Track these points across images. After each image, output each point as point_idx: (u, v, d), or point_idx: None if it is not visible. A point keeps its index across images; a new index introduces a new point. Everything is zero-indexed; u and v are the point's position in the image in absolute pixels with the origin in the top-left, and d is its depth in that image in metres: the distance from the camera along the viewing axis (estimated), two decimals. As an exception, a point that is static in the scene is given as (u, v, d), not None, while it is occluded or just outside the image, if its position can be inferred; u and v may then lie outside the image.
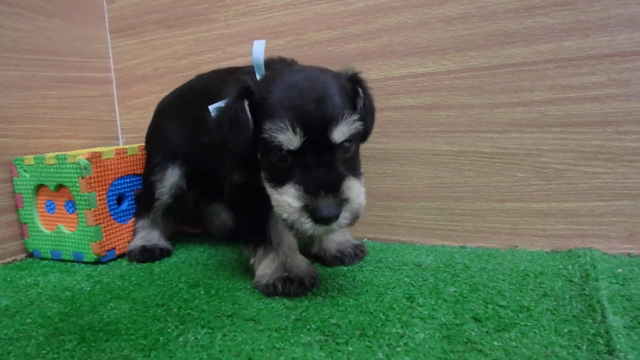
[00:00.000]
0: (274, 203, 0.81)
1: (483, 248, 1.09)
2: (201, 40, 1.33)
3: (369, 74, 1.15)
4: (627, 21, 0.94)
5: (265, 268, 0.93)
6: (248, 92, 0.82)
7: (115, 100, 1.47)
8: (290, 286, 0.88)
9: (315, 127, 0.76)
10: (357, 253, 1.04)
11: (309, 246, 1.08)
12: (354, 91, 0.85)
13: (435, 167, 1.12)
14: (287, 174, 0.78)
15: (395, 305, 0.82)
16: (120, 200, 1.22)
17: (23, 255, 1.24)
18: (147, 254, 1.15)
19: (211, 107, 0.90)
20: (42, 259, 1.22)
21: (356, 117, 0.79)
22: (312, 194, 0.75)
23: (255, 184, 0.89)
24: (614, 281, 0.86)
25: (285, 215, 0.78)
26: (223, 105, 0.86)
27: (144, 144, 1.29)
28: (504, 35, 1.03)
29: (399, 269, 0.99)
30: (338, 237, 1.06)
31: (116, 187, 1.19)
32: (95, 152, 1.14)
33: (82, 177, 1.11)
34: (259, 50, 0.89)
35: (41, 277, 1.08)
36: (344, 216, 0.76)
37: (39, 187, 1.20)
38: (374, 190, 1.19)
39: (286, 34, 1.23)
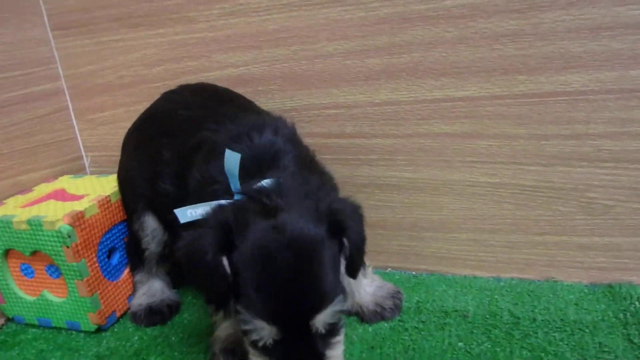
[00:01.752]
0: None
1: (518, 279, 1.05)
2: (178, 44, 1.07)
3: (396, 94, 0.98)
4: None
5: (221, 332, 0.88)
6: (227, 244, 0.66)
7: (72, 114, 1.20)
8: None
9: (295, 319, 0.64)
10: (396, 304, 0.97)
11: (341, 302, 0.99)
12: (337, 228, 0.69)
13: (470, 198, 1.02)
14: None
15: (465, 398, 0.77)
16: (110, 254, 1.04)
17: (2, 321, 1.07)
18: (155, 317, 1.02)
19: (177, 212, 0.73)
20: (27, 325, 1.06)
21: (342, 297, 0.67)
22: None
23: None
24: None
25: None
26: (194, 246, 0.68)
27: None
28: (562, 58, 0.88)
29: (445, 324, 0.93)
30: (371, 288, 0.98)
31: (105, 244, 1.01)
32: (77, 213, 0.93)
33: (67, 247, 0.92)
34: (232, 162, 0.72)
35: (41, 363, 0.94)
36: None
37: (7, 251, 1.00)
38: (399, 220, 1.08)
39: (290, 42, 1.00)
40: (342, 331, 0.71)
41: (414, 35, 0.94)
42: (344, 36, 0.97)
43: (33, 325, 1.05)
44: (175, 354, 0.93)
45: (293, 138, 0.84)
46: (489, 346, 0.87)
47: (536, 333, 0.89)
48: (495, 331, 0.90)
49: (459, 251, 1.07)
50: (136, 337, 0.99)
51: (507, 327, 0.91)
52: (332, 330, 0.68)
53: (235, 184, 0.74)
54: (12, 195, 1.06)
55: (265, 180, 0.72)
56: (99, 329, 1.01)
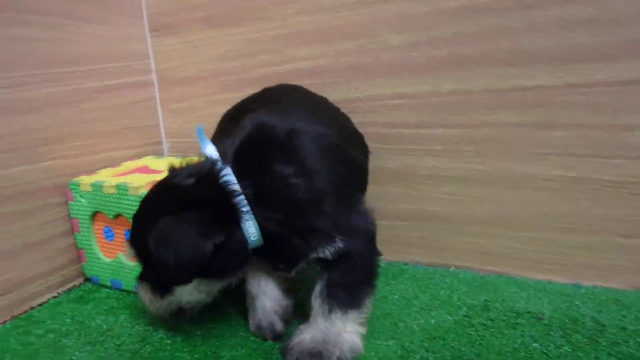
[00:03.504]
0: None
1: (601, 288, 0.95)
2: (253, 40, 1.15)
3: (462, 84, 0.97)
4: None
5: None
6: None
7: (158, 104, 1.33)
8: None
9: None
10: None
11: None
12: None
13: (544, 194, 0.96)
14: None
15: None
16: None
17: (81, 280, 1.18)
18: None
19: None
20: (101, 285, 1.14)
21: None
22: None
23: None
24: None
25: None
26: None
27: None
28: (644, 42, 0.83)
29: (517, 324, 0.86)
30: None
31: (179, 219, 1.08)
32: (158, 182, 1.01)
33: (145, 213, 0.99)
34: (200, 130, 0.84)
35: (111, 317, 1.00)
36: None
37: (95, 213, 1.10)
38: (465, 214, 1.04)
39: (357, 36, 1.03)
40: None
41: (480, 26, 0.93)
42: (409, 28, 0.98)
43: (106, 286, 1.14)
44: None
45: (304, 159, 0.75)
46: (569, 350, 0.79)
47: (627, 342, 0.79)
48: (576, 336, 0.82)
49: (531, 252, 1.00)
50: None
51: (590, 333, 0.82)
52: None
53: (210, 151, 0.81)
54: (103, 168, 1.18)
55: (228, 173, 0.75)
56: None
